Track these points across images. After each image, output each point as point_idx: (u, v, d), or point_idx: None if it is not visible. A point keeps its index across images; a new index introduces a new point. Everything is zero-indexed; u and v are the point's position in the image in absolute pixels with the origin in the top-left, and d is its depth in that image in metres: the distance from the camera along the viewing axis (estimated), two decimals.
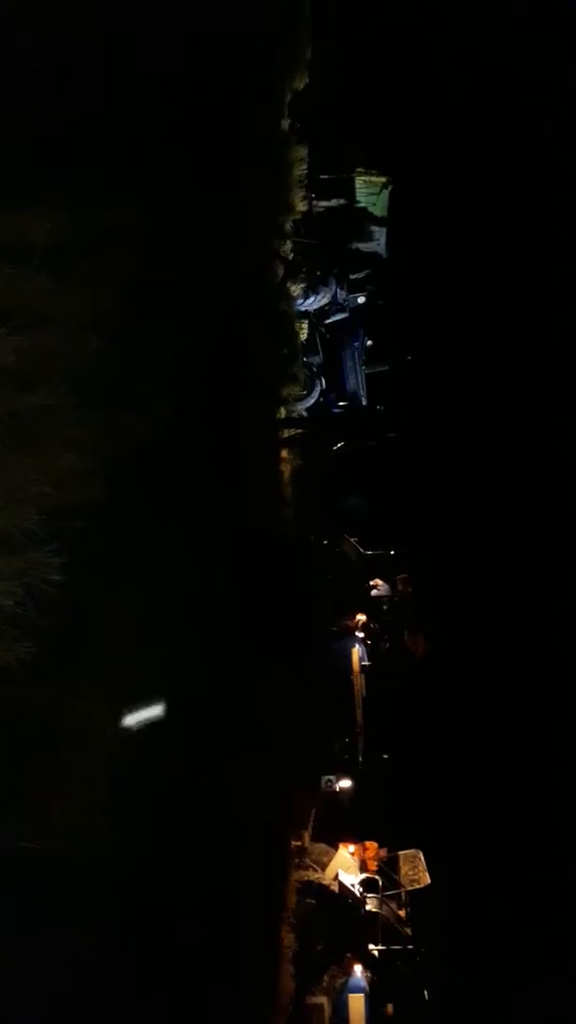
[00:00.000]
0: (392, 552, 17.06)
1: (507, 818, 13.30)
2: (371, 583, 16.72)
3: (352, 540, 16.74)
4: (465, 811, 13.19)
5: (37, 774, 5.45)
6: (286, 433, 14.79)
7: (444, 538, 16.26)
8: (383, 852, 12.68)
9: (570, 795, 13.19)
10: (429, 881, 12.35)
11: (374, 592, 16.70)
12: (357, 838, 12.73)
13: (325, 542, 16.47)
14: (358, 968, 11.30)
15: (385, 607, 16.50)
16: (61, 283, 6.09)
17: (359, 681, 14.74)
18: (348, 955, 11.51)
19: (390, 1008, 11.38)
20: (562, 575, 15.03)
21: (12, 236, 5.87)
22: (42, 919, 5.18)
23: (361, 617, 16.01)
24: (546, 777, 13.50)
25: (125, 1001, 5.89)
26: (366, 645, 15.63)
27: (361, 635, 15.71)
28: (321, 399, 16.28)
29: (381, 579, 16.83)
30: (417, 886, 12.37)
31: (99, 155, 7.06)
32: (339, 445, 17.09)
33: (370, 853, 12.58)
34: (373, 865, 12.46)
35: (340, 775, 13.34)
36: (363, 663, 15.13)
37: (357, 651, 15.15)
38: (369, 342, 16.86)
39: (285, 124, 13.66)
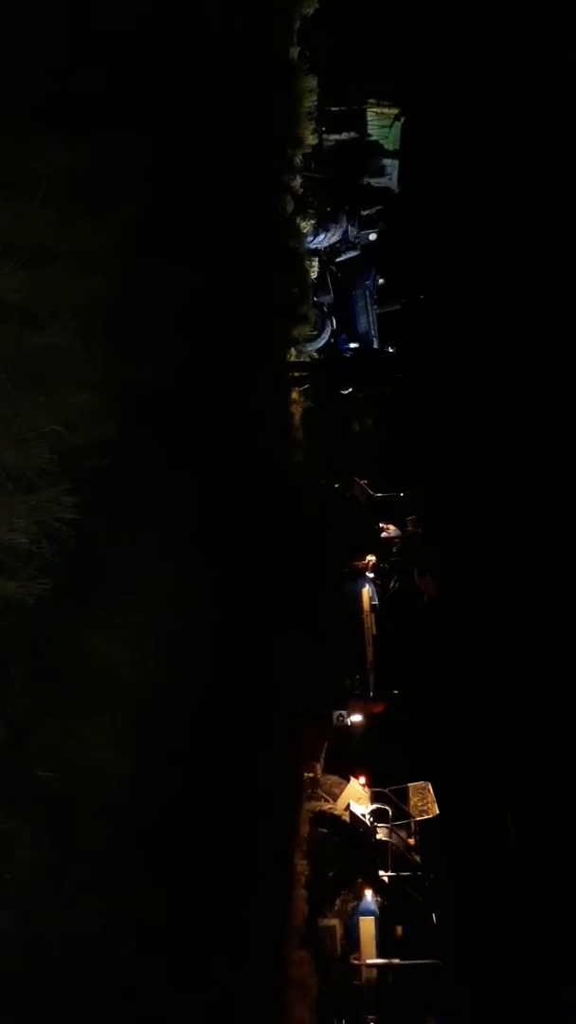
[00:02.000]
0: (402, 494, 17.10)
1: (513, 749, 13.58)
2: (381, 526, 16.81)
3: (362, 482, 16.77)
4: (473, 744, 13.48)
5: (53, 708, 5.57)
6: (296, 375, 14.69)
7: (454, 479, 16.24)
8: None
9: None
10: (438, 811, 12.73)
11: (384, 534, 16.80)
12: (367, 770, 13.10)
13: (336, 485, 16.51)
14: (368, 892, 11.75)
15: (395, 548, 16.61)
16: (68, 218, 6.00)
17: (369, 620, 14.96)
18: (359, 880, 11.97)
19: (399, 930, 11.87)
20: (570, 514, 15.02)
21: (16, 169, 5.77)
22: (60, 849, 5.35)
23: (371, 558, 16.14)
24: (551, 711, 13.73)
25: (140, 927, 6.10)
26: (376, 585, 15.81)
27: (371, 575, 15.87)
28: (332, 340, 16.10)
29: (392, 521, 16.92)
30: (426, 816, 12.76)
31: (106, 87, 6.88)
32: (349, 390, 16.98)
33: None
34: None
35: (351, 710, 13.66)
36: (373, 603, 15.33)
37: (367, 591, 15.33)
38: (381, 281, 16.58)
39: (294, 52, 13.20)
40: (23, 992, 4.82)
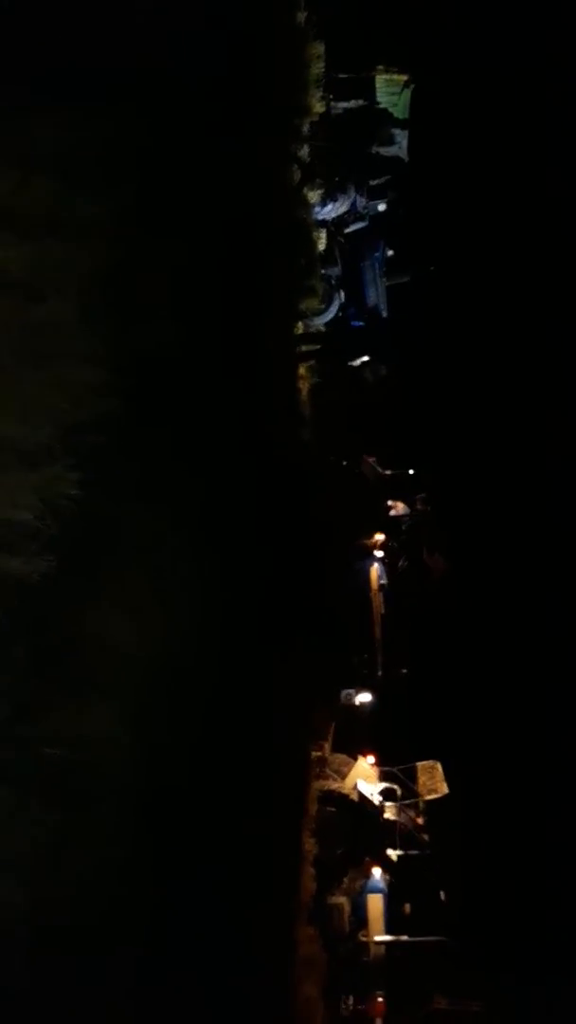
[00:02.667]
0: (411, 472, 16.97)
1: (521, 729, 13.56)
2: (390, 504, 16.71)
3: (371, 460, 16.64)
4: (481, 723, 13.46)
5: (59, 686, 5.52)
6: (304, 349, 14.51)
7: (463, 458, 16.10)
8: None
9: None
10: (447, 790, 12.74)
11: (392, 512, 16.70)
12: (376, 750, 13.12)
13: (344, 462, 16.39)
14: (377, 871, 11.81)
15: (404, 526, 16.51)
16: (71, 190, 5.87)
17: (378, 599, 14.92)
18: (367, 859, 12.01)
19: (407, 908, 11.92)
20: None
21: (19, 141, 5.63)
22: (70, 823, 5.31)
23: (380, 536, 16.05)
24: (560, 690, 13.68)
25: (147, 903, 6.09)
26: (385, 564, 15.74)
27: (380, 554, 15.79)
28: (340, 313, 15.85)
29: (401, 499, 16.82)
30: (435, 795, 12.78)
31: (109, 57, 6.70)
32: (359, 362, 16.78)
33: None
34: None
35: (359, 689, 13.65)
36: (382, 581, 15.28)
37: (376, 570, 15.28)
38: (390, 252, 16.30)
39: (301, 17, 12.88)
40: (29, 963, 4.80)
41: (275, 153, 12.03)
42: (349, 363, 16.46)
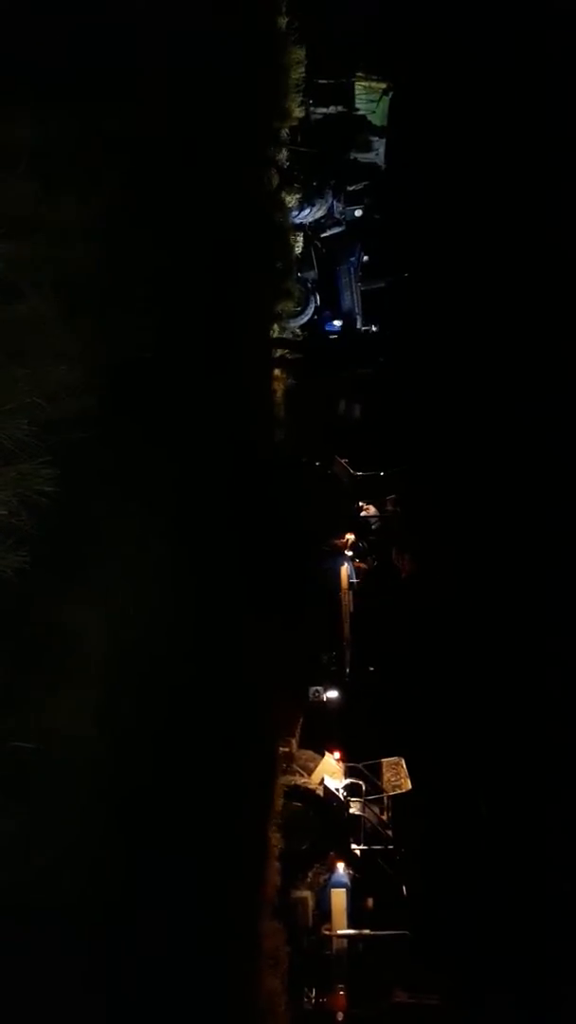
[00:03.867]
0: (382, 473, 17.14)
1: (486, 726, 13.80)
2: (361, 505, 16.88)
3: (343, 461, 16.80)
4: (446, 720, 13.68)
5: (32, 679, 5.58)
6: (279, 352, 14.62)
7: (433, 460, 16.30)
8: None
9: (550, 705, 13.65)
10: (410, 787, 12.95)
11: (363, 513, 16.88)
12: (342, 746, 13.28)
13: (317, 463, 16.53)
14: (341, 865, 11.98)
15: (374, 527, 16.70)
16: (50, 188, 5.93)
17: (347, 598, 15.08)
18: (332, 854, 12.18)
19: (370, 902, 12.11)
20: (549, 495, 15.15)
21: None
22: (37, 817, 5.38)
23: (350, 536, 16.23)
24: (524, 687, 13.94)
25: (118, 892, 6.17)
26: (354, 563, 15.91)
27: (350, 554, 15.96)
28: (315, 316, 16.01)
29: (372, 500, 17.00)
30: (399, 791, 12.98)
31: (90, 57, 6.77)
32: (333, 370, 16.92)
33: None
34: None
35: (327, 686, 13.80)
36: (351, 581, 15.44)
37: (346, 569, 15.44)
38: (366, 258, 16.49)
39: (282, 22, 13.00)
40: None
41: (255, 157, 12.14)
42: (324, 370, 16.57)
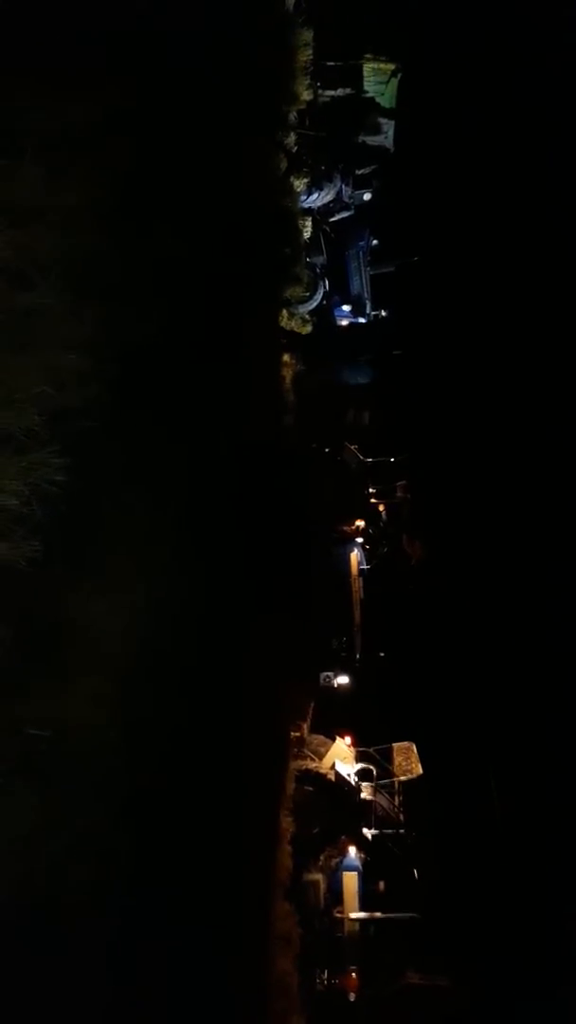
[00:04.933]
0: (392, 459, 17.10)
1: (497, 711, 13.83)
2: (370, 491, 16.86)
3: (353, 447, 16.75)
4: (456, 706, 13.71)
5: (43, 667, 5.62)
6: (288, 339, 14.55)
7: (443, 445, 16.24)
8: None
9: (560, 690, 13.66)
10: (421, 771, 13.01)
11: (373, 499, 16.86)
12: (353, 731, 13.35)
13: (326, 449, 16.49)
14: (352, 849, 12.07)
15: (384, 513, 16.68)
16: (57, 176, 5.90)
17: (357, 584, 15.09)
18: (343, 837, 12.26)
19: (381, 885, 12.20)
20: (558, 480, 15.09)
21: (5, 126, 5.66)
22: (53, 802, 5.43)
23: (360, 523, 16.21)
24: (534, 673, 13.95)
25: (127, 882, 6.23)
26: (365, 550, 15.91)
27: (360, 540, 15.96)
28: (324, 301, 15.90)
29: (381, 487, 16.97)
30: (410, 776, 13.04)
31: (96, 45, 6.71)
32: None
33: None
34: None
35: (338, 671, 13.85)
36: (361, 567, 15.45)
37: (356, 555, 15.45)
38: (375, 242, 16.35)
39: (290, 3, 12.84)
40: (14, 940, 4.94)
41: (263, 142, 12.03)
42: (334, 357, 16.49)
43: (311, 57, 13.30)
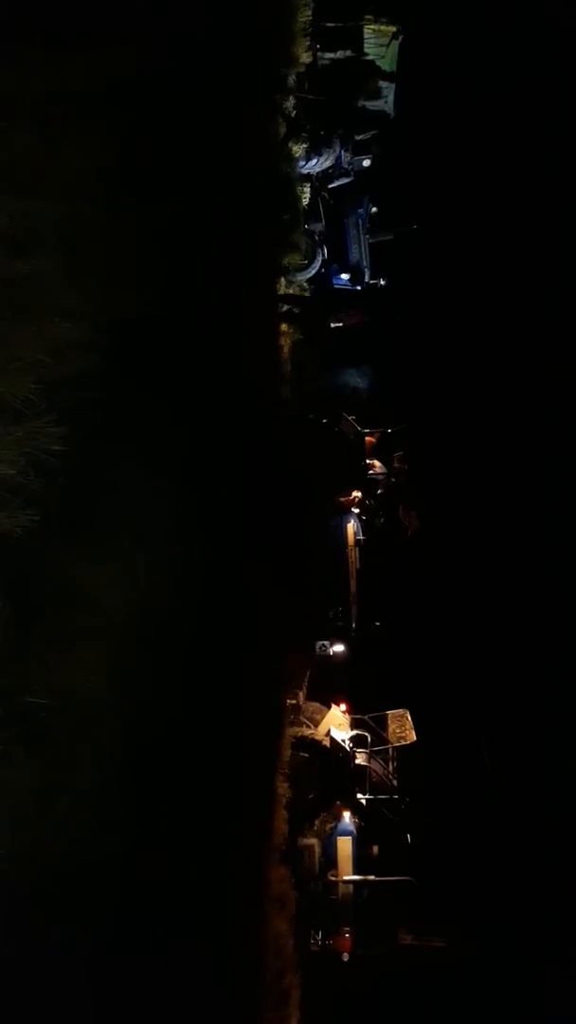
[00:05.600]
0: (390, 431, 17.08)
1: (489, 678, 13.99)
2: (368, 463, 16.86)
3: (351, 418, 16.72)
4: (450, 674, 13.86)
5: (42, 636, 5.66)
6: (285, 307, 14.45)
7: (440, 416, 16.23)
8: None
9: (551, 660, 13.81)
10: (415, 738, 13.19)
11: (370, 471, 16.87)
12: (348, 698, 13.51)
13: (324, 420, 16.46)
14: (347, 814, 12.27)
15: (380, 484, 16.71)
16: (54, 142, 5.83)
17: (353, 554, 15.17)
18: (337, 803, 12.45)
19: (375, 849, 12.42)
20: (556, 451, 15.10)
21: (2, 93, 5.57)
22: (53, 771, 5.50)
23: (357, 494, 16.24)
24: (525, 642, 14.09)
25: (129, 842, 6.33)
26: (361, 520, 15.96)
27: (357, 511, 16.00)
28: (323, 269, 15.75)
29: (378, 458, 16.97)
30: (404, 743, 13.23)
31: (93, 8, 6.58)
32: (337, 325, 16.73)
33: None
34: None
35: (334, 640, 13.97)
36: (358, 538, 15.51)
37: (352, 526, 15.50)
38: (374, 209, 16.16)
39: None
40: (13, 910, 5.04)
41: (260, 105, 11.83)
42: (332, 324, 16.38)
43: (310, 18, 13.04)
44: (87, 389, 5.81)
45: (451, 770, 13.37)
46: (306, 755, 12.61)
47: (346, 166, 15.21)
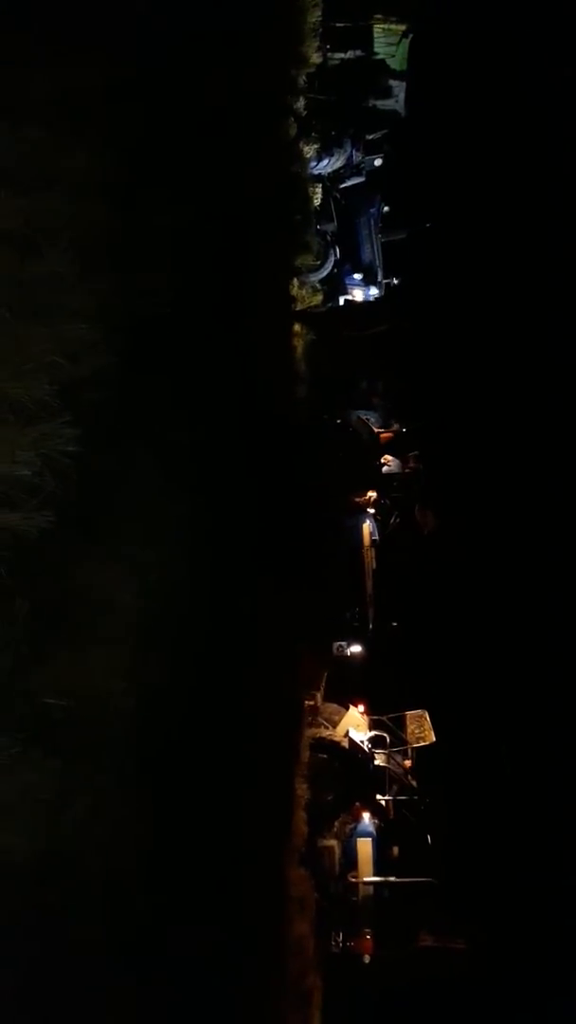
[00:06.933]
0: (404, 429, 17.04)
1: (508, 679, 13.89)
2: (382, 460, 16.81)
3: (365, 418, 16.69)
4: (468, 674, 13.79)
5: (58, 638, 5.67)
6: (299, 307, 14.44)
7: (455, 415, 16.15)
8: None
9: (571, 660, 13.69)
10: (434, 739, 13.12)
11: (385, 469, 16.82)
12: (366, 699, 13.47)
13: (338, 420, 16.44)
14: (366, 815, 12.23)
15: (396, 484, 16.65)
16: (66, 141, 5.84)
17: (369, 555, 15.13)
18: (357, 804, 12.42)
19: (395, 850, 12.37)
20: (569, 451, 15.00)
21: (13, 90, 5.59)
22: (70, 772, 5.49)
23: (372, 494, 16.20)
24: (545, 643, 13.99)
25: (144, 843, 6.32)
26: (376, 520, 15.91)
27: (372, 511, 15.96)
28: (335, 270, 15.73)
29: (393, 456, 16.92)
30: (423, 743, 13.16)
31: (103, 7, 6.60)
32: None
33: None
34: None
35: (351, 641, 13.94)
36: (373, 537, 15.47)
37: (368, 526, 15.46)
38: (386, 208, 16.14)
39: None
40: (30, 911, 5.03)
41: (271, 106, 11.84)
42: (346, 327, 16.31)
43: (320, 18, 13.05)
44: (102, 390, 5.81)
45: (470, 770, 13.29)
46: (325, 756, 12.59)
47: (357, 165, 15.20)
